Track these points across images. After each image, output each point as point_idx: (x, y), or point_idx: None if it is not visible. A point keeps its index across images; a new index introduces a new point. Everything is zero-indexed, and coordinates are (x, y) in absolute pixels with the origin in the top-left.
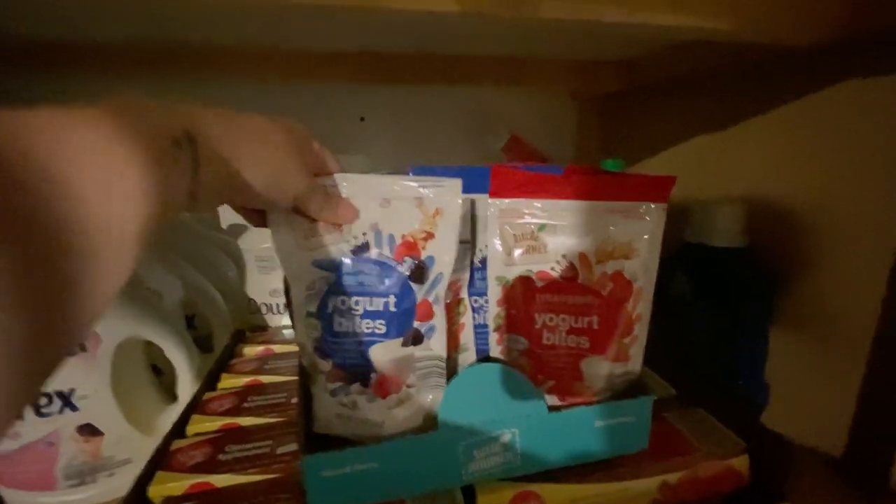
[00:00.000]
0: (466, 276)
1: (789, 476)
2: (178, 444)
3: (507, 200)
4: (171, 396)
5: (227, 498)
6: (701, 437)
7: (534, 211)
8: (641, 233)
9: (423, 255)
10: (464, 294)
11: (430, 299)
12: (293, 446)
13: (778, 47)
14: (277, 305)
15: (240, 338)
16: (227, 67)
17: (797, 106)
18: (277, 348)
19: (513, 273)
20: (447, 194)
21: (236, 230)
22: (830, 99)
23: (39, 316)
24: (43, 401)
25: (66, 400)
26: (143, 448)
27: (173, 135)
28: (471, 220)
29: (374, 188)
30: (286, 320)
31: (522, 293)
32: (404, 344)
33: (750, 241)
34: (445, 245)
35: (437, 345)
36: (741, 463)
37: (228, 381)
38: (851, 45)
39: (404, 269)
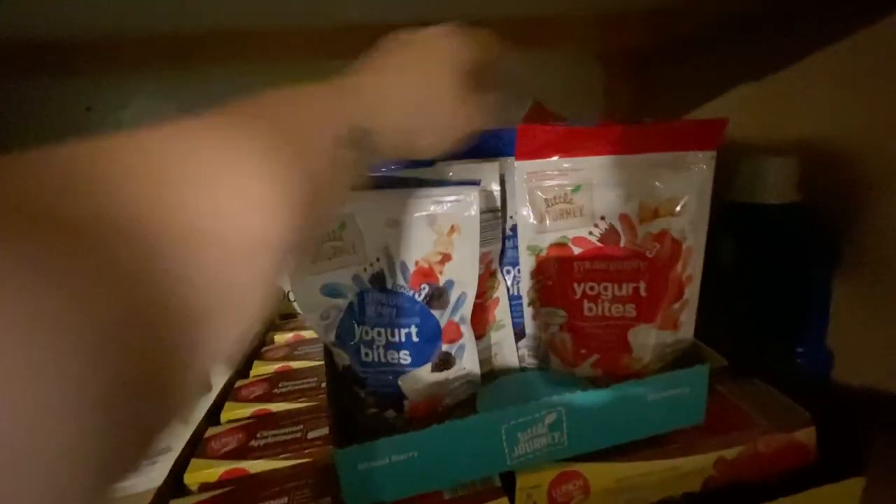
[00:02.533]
0: (498, 247)
1: (863, 449)
2: (212, 431)
3: (535, 161)
4: (206, 387)
5: (261, 483)
6: (760, 409)
7: (566, 171)
8: (689, 186)
9: (442, 280)
10: (496, 266)
11: (456, 320)
12: (324, 430)
13: None
14: None
15: (269, 325)
16: (232, 52)
17: (844, 45)
18: (307, 334)
19: (546, 241)
20: (462, 208)
21: None
22: (880, 32)
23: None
24: None
25: None
26: (181, 436)
27: (336, 132)
28: (501, 186)
29: (378, 207)
30: None
31: (558, 262)
32: (434, 369)
33: (804, 195)
34: (465, 264)
35: (469, 362)
36: (807, 436)
37: (260, 369)
38: None
39: (422, 297)
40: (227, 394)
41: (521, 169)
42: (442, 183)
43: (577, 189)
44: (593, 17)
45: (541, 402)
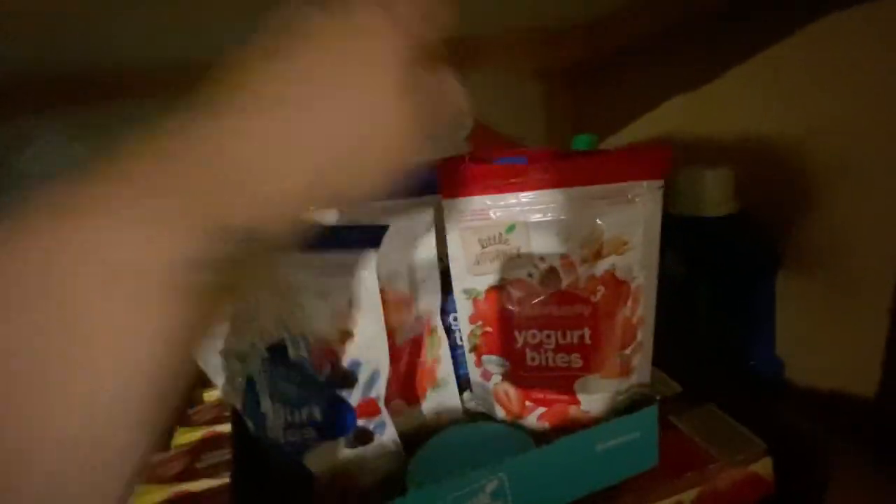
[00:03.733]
0: (437, 301)
1: (822, 475)
2: None
3: (463, 199)
4: None
5: None
6: (715, 441)
7: (497, 208)
8: (635, 221)
9: (346, 361)
10: (436, 321)
11: (372, 396)
12: None
13: None
14: None
15: (197, 381)
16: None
17: (775, 50)
18: None
19: (483, 284)
20: (357, 278)
21: None
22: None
23: None
24: None
25: None
26: None
27: None
28: (434, 227)
29: (266, 275)
30: None
31: (497, 307)
32: (349, 445)
33: (743, 204)
34: (371, 341)
35: (388, 436)
36: (764, 467)
37: (183, 437)
38: None
39: (324, 377)
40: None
41: (449, 207)
42: (337, 243)
43: (510, 229)
44: (528, 35)
45: (478, 471)
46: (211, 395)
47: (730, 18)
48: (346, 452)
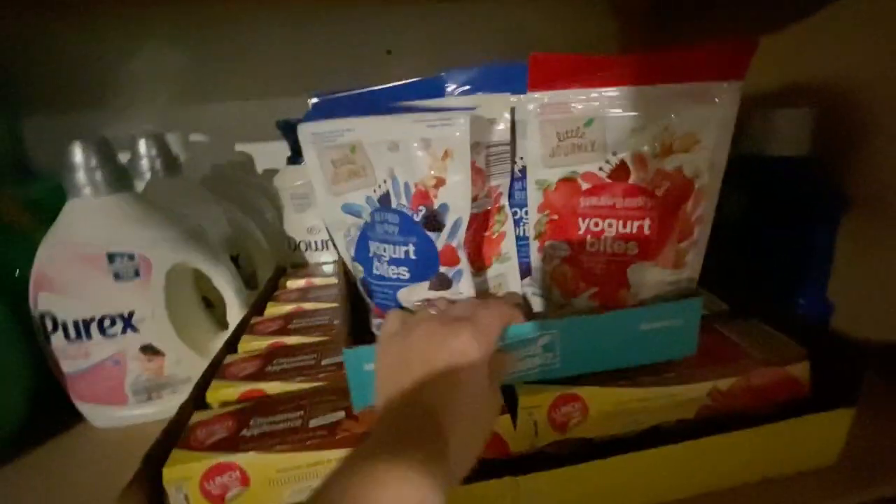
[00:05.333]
0: (507, 181)
1: (856, 385)
2: (230, 358)
3: (548, 93)
4: (223, 326)
5: (277, 400)
6: (756, 345)
7: (580, 103)
8: (709, 119)
9: (436, 203)
10: (503, 201)
11: (454, 244)
12: (337, 358)
13: None
14: (315, 243)
15: (281, 274)
16: None
17: None
18: (318, 281)
19: (555, 175)
20: (455, 133)
21: (270, 173)
22: None
23: None
24: (107, 322)
25: (127, 322)
26: (202, 368)
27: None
28: (511, 121)
29: (380, 131)
30: (325, 257)
31: (566, 197)
32: (432, 288)
33: (814, 148)
34: (458, 189)
35: (465, 286)
36: (801, 370)
37: (274, 309)
38: None
39: (419, 218)
40: (244, 328)
41: (532, 100)
42: (435, 110)
43: (589, 123)
44: None
45: (535, 323)
46: (293, 283)
47: None
48: (429, 294)
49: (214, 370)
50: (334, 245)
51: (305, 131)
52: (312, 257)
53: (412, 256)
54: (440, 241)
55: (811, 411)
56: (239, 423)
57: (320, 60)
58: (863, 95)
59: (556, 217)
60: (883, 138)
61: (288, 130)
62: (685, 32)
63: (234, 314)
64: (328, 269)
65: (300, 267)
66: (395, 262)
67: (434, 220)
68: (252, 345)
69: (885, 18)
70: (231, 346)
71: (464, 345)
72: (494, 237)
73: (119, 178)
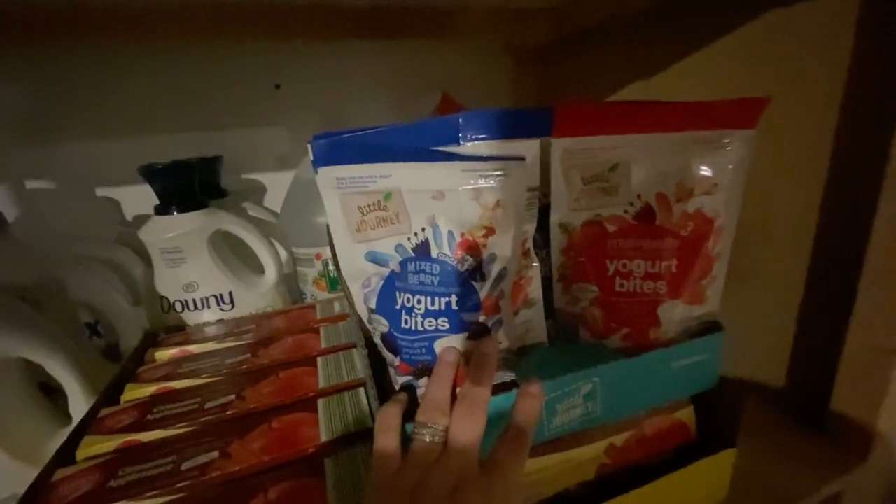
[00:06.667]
0: (534, 226)
1: (737, 423)
2: (62, 473)
3: (572, 139)
4: (68, 418)
5: (148, 449)
6: None
7: (604, 149)
8: (727, 164)
9: (484, 254)
10: (530, 245)
11: (496, 294)
12: (201, 459)
13: None
14: (193, 302)
15: (151, 341)
16: (113, 28)
17: (724, 42)
18: (196, 348)
19: (580, 218)
20: (510, 183)
21: (139, 222)
22: (753, 29)
23: None
24: None
25: None
26: (24, 482)
27: None
28: (539, 165)
29: (425, 178)
30: (207, 316)
31: (592, 239)
32: (470, 338)
33: None
34: (507, 239)
35: (504, 337)
36: (687, 415)
37: (132, 393)
38: None
39: (465, 268)
40: (86, 426)
41: (558, 146)
42: (487, 158)
43: (614, 168)
44: (498, 11)
45: (578, 374)
46: (163, 355)
47: (666, 18)
48: (466, 344)
49: (36, 495)
50: (348, 299)
51: (329, 176)
52: (191, 318)
53: (454, 308)
54: (483, 290)
55: (699, 454)
56: (106, 474)
57: (205, 95)
58: None
59: (581, 259)
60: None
61: (153, 177)
62: (571, 69)
63: (78, 406)
64: (210, 330)
65: (176, 331)
66: (431, 314)
67: (482, 271)
68: (96, 448)
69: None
70: (66, 454)
71: None
72: (522, 282)
73: None
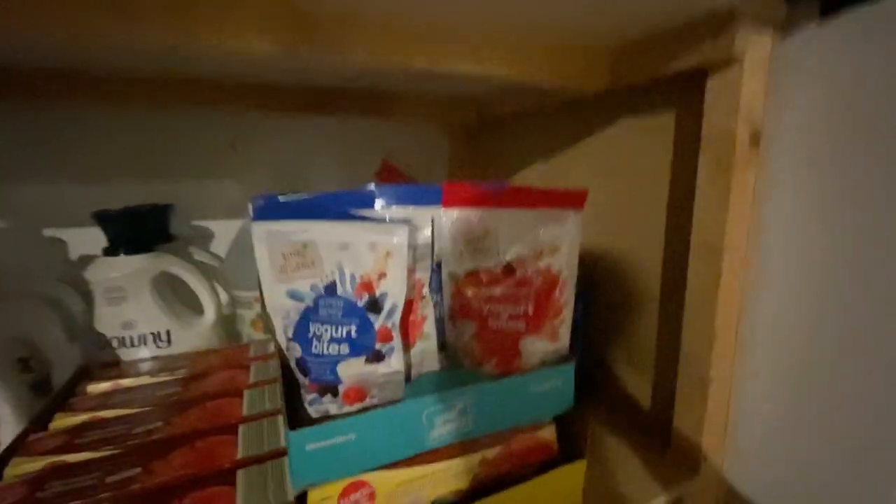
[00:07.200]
0: (428, 275)
1: (588, 439)
2: None
3: (457, 210)
4: None
5: (74, 467)
6: None
7: (480, 219)
8: (565, 235)
9: (378, 292)
10: (426, 291)
11: (388, 325)
12: (126, 473)
13: (570, 92)
14: (131, 339)
15: (84, 375)
16: (85, 93)
17: (595, 139)
18: (129, 382)
19: (463, 269)
20: (395, 239)
21: (84, 261)
22: (612, 133)
23: None
24: None
25: None
26: None
27: None
28: (431, 228)
29: (334, 234)
30: (143, 352)
31: (471, 287)
32: (367, 362)
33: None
34: (396, 281)
35: (395, 361)
36: (549, 433)
37: (62, 421)
38: (620, 93)
39: (362, 303)
40: (15, 449)
41: (447, 215)
42: (380, 221)
43: (486, 234)
44: (433, 97)
45: (453, 392)
46: (95, 388)
47: (560, 113)
48: (364, 367)
49: None
50: (270, 329)
51: (262, 229)
52: (127, 354)
53: (353, 335)
54: (378, 322)
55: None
56: (33, 487)
57: (163, 148)
58: (595, 218)
59: (464, 302)
60: (618, 241)
61: (105, 222)
62: (493, 146)
63: (6, 431)
64: (144, 366)
65: (111, 367)
66: (336, 340)
67: (375, 305)
68: (23, 468)
69: (610, 164)
70: None
71: None
72: (418, 320)
73: None
